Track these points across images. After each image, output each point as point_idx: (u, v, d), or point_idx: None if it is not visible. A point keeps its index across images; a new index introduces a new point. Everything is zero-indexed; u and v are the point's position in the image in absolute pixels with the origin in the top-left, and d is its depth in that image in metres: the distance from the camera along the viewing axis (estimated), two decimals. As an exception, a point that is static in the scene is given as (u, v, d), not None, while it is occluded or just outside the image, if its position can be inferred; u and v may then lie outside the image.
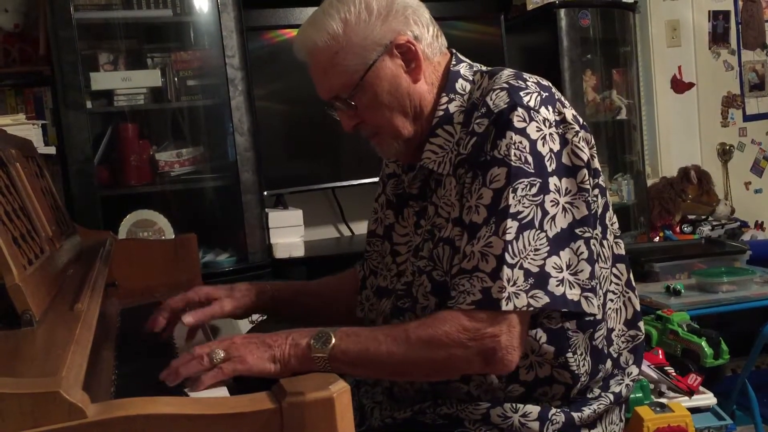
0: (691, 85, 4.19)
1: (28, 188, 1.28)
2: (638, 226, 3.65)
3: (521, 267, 1.06)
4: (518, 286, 1.06)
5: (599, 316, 1.18)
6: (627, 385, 1.26)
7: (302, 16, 3.15)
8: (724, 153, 4.25)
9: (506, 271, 1.06)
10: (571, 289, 1.09)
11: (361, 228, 3.29)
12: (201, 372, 1.03)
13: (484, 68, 1.27)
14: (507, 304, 1.06)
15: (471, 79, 1.24)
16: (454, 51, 1.29)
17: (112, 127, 2.77)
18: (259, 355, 1.08)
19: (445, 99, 1.22)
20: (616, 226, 1.26)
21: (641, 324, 1.28)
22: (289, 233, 2.93)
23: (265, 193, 2.90)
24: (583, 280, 1.10)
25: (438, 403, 1.20)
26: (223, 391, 1.05)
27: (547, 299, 1.07)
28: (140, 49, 2.82)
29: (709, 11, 4.20)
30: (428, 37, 1.23)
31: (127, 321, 1.52)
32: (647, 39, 4.08)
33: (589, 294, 1.11)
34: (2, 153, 1.21)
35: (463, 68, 1.25)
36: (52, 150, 2.51)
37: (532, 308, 1.07)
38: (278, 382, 0.76)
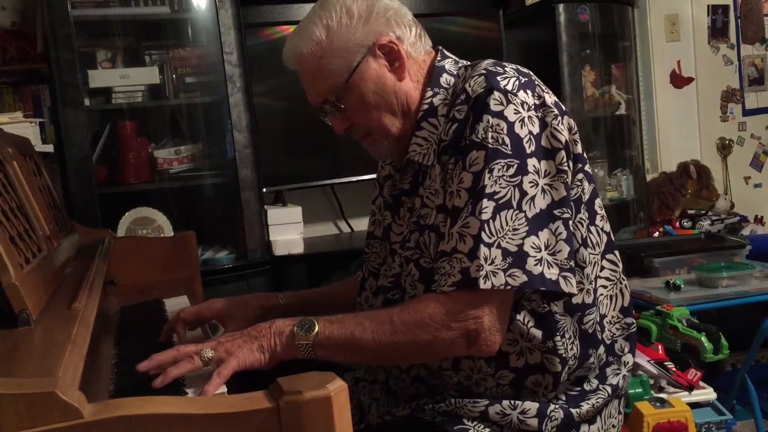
0: (690, 80, 4.19)
1: (26, 187, 1.27)
2: (638, 221, 3.64)
3: (499, 246, 1.08)
4: (496, 265, 1.08)
5: (589, 301, 1.19)
6: (624, 375, 1.27)
7: (300, 12, 3.14)
8: (724, 148, 4.25)
9: (483, 250, 1.08)
10: (549, 268, 1.10)
11: (360, 225, 3.29)
12: (192, 371, 1.06)
13: (468, 63, 1.28)
14: (485, 282, 1.07)
15: (455, 73, 1.26)
16: (440, 48, 1.31)
17: (110, 125, 2.77)
18: (248, 348, 1.10)
19: (429, 93, 1.25)
20: (604, 213, 1.27)
21: (634, 312, 1.30)
22: (288, 230, 2.93)
23: (264, 190, 2.89)
24: (561, 260, 1.11)
25: (437, 400, 1.21)
26: (221, 388, 1.05)
27: (525, 278, 1.08)
28: (138, 46, 2.81)
29: (708, 5, 4.19)
30: (411, 37, 1.25)
31: (126, 319, 1.52)
32: (646, 34, 4.07)
33: (568, 274, 1.12)
34: (-1, 152, 1.20)
35: (448, 63, 1.27)
36: (50, 148, 2.50)
37: (510, 287, 1.08)
38: (276, 381, 0.75)
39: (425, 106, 1.24)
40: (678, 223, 3.84)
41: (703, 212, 3.87)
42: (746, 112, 4.29)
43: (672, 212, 3.85)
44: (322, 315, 1.31)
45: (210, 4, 2.73)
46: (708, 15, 4.19)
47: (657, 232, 3.74)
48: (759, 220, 4.21)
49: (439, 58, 1.28)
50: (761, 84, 4.31)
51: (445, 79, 1.25)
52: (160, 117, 2.89)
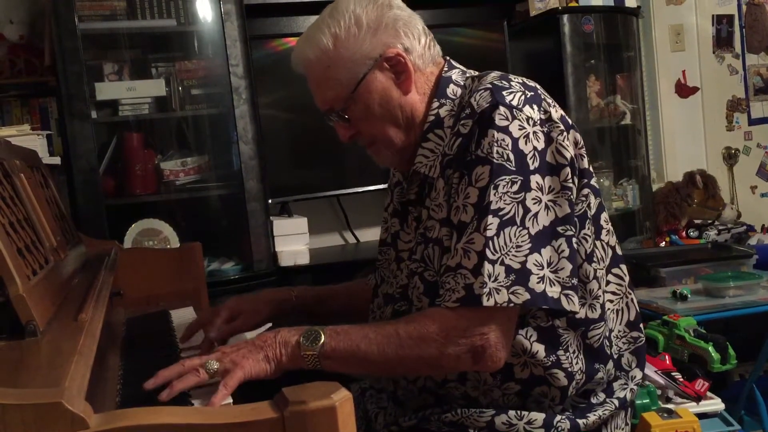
0: (695, 90, 4.19)
1: (33, 199, 1.28)
2: (644, 231, 3.63)
3: (502, 263, 1.08)
4: (499, 282, 1.08)
5: (593, 316, 1.18)
6: (632, 389, 1.26)
7: (306, 24, 3.15)
8: (730, 157, 4.24)
9: (487, 266, 1.08)
10: (551, 286, 1.10)
11: (365, 235, 3.29)
12: (198, 383, 1.06)
13: (475, 73, 1.28)
14: (488, 299, 1.07)
15: (462, 84, 1.26)
16: (447, 58, 1.31)
17: (117, 137, 2.78)
18: (254, 358, 1.10)
19: (436, 104, 1.24)
20: (611, 227, 1.26)
21: (642, 326, 1.29)
22: (294, 241, 2.94)
23: (270, 201, 2.90)
24: (563, 278, 1.11)
25: (444, 410, 1.20)
26: (227, 398, 1.05)
27: (527, 296, 1.08)
28: (145, 58, 2.83)
29: (713, 15, 4.19)
30: (419, 48, 1.25)
31: (133, 330, 1.52)
32: (651, 44, 4.07)
33: (570, 292, 1.12)
34: (6, 164, 1.21)
35: (455, 74, 1.27)
36: (57, 160, 2.52)
37: (512, 304, 1.08)
38: (281, 391, 0.76)
39: (431, 118, 1.24)
40: (684, 232, 3.83)
41: (709, 222, 3.85)
42: (752, 122, 4.28)
43: (678, 222, 3.84)
44: (334, 313, 1.30)
45: (216, 17, 2.74)
46: (713, 25, 4.19)
47: (663, 242, 3.73)
48: (766, 230, 4.18)
49: (446, 68, 1.28)
50: (767, 93, 4.30)
51: (452, 89, 1.25)
52: (167, 129, 2.90)
